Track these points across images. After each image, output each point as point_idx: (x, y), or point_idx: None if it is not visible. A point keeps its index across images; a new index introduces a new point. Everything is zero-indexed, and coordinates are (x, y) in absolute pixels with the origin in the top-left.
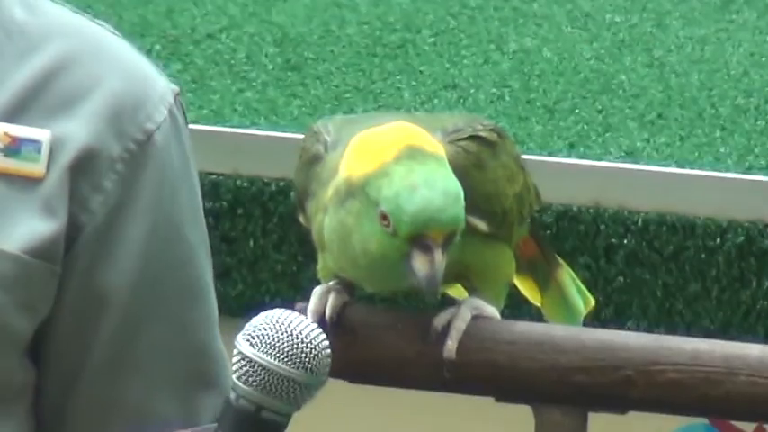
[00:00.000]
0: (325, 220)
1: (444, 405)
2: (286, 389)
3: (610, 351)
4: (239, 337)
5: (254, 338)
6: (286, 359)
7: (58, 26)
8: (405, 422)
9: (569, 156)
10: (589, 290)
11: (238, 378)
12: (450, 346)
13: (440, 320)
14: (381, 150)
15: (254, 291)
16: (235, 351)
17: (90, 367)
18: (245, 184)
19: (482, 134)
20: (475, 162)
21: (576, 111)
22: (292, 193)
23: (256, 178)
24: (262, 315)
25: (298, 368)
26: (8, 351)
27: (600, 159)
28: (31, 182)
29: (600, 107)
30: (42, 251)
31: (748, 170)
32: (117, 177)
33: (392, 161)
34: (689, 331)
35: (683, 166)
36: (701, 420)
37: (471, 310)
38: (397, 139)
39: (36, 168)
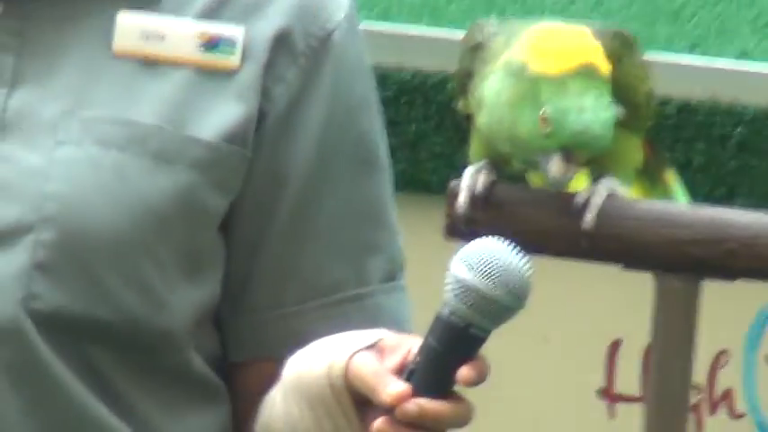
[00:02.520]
0: (489, 79)
1: (576, 272)
2: (495, 311)
3: (719, 227)
4: (457, 261)
5: (472, 265)
6: (501, 286)
7: None
8: (542, 285)
9: (690, 54)
10: (705, 174)
11: (454, 296)
12: (589, 218)
13: (581, 197)
14: (563, 56)
15: (414, 168)
16: (451, 273)
17: (270, 237)
18: (408, 76)
19: (624, 33)
20: (619, 54)
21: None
22: (449, 85)
23: (418, 71)
24: (477, 243)
25: (509, 294)
26: (205, 226)
27: (716, 59)
28: (227, 74)
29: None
30: (235, 137)
31: None
32: (299, 71)
33: (572, 73)
34: None
35: None
36: None
37: (607, 189)
38: (579, 50)
39: (232, 61)
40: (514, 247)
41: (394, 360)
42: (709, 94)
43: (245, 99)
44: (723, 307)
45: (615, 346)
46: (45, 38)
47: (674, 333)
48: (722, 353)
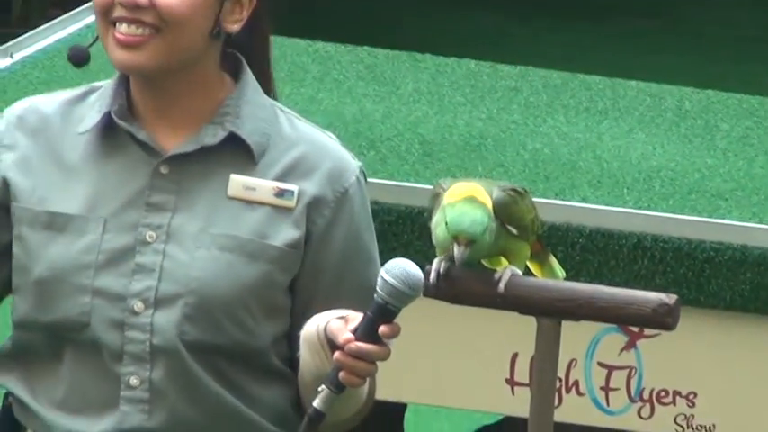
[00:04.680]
0: (437, 214)
1: (494, 314)
2: (400, 297)
3: (573, 292)
4: (383, 269)
5: (389, 272)
6: (404, 283)
7: (303, 135)
8: (475, 322)
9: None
10: (563, 266)
11: (380, 288)
12: (502, 286)
13: (497, 274)
14: (459, 194)
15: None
16: (379, 277)
17: (315, 301)
18: (402, 207)
19: (517, 188)
20: (513, 200)
21: None
22: (425, 214)
23: (408, 205)
24: (394, 261)
25: (408, 288)
26: (277, 290)
27: (567, 201)
28: (288, 210)
29: None
30: (294, 244)
31: None
32: (330, 210)
33: (461, 200)
34: None
35: None
36: None
37: (511, 270)
38: (466, 191)
39: (291, 204)
40: (413, 264)
41: (353, 324)
42: (565, 220)
43: (298, 224)
44: (574, 334)
45: (515, 355)
46: (190, 185)
47: (546, 349)
48: (573, 360)
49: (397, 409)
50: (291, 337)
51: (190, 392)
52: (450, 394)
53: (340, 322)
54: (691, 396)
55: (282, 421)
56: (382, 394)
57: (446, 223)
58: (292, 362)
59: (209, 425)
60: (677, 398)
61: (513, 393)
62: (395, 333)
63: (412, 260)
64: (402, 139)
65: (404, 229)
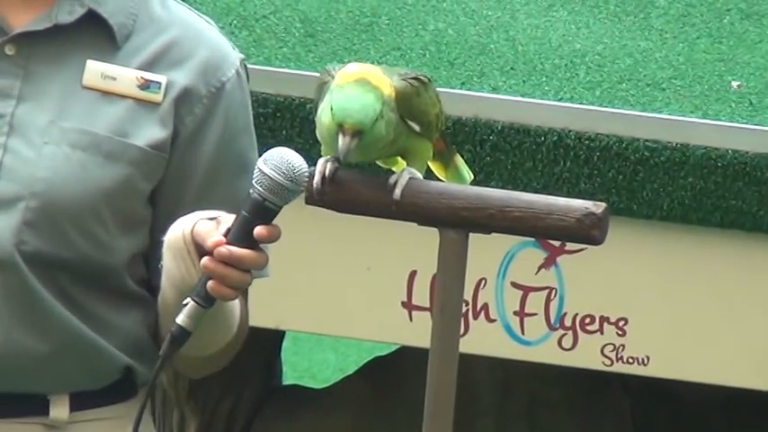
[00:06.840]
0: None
1: (389, 226)
2: (280, 191)
3: (481, 198)
4: (261, 159)
5: (267, 161)
6: (284, 175)
7: (176, 18)
8: (367, 233)
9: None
10: (471, 168)
11: (256, 182)
12: (398, 192)
13: (393, 178)
14: (348, 76)
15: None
16: (256, 168)
17: (179, 210)
18: (281, 99)
19: (420, 77)
20: (416, 91)
21: None
22: (309, 106)
23: (287, 96)
24: (275, 149)
25: (288, 181)
26: (136, 200)
27: (478, 92)
28: (154, 105)
29: None
30: (158, 146)
31: None
32: (202, 106)
33: (350, 82)
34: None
35: None
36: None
37: (409, 173)
38: (359, 72)
39: (157, 98)
40: (295, 153)
41: (224, 226)
42: (473, 114)
43: (164, 123)
44: (483, 250)
45: (413, 274)
46: (40, 70)
47: (450, 266)
48: (482, 279)
49: (273, 339)
50: (149, 257)
51: (28, 315)
52: (335, 321)
53: (210, 223)
54: (621, 323)
55: (138, 351)
56: (255, 320)
57: (332, 108)
58: (150, 286)
59: (51, 354)
60: (605, 325)
61: (410, 319)
62: (273, 236)
63: None
64: (280, 16)
65: (282, 124)
